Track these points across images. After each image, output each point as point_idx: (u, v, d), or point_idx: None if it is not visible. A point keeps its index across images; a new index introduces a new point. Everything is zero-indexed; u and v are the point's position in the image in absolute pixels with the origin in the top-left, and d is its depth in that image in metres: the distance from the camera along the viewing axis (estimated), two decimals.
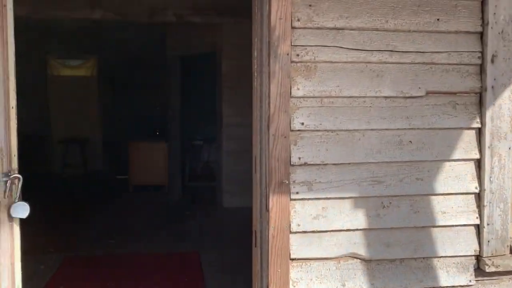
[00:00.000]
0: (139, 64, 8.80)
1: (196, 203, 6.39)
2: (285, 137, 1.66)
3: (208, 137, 9.30)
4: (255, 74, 1.80)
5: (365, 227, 1.78)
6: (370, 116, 1.77)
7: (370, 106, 1.78)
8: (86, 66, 8.65)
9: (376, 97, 1.78)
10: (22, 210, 1.62)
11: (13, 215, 1.60)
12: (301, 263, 1.75)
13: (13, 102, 1.63)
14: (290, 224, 1.72)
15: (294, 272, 1.74)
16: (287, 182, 1.68)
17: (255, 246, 1.95)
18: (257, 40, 1.77)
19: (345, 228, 1.77)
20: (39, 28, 8.04)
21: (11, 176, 1.60)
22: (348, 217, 1.77)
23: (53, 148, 8.54)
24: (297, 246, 1.74)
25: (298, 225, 1.73)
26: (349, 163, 1.76)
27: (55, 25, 7.63)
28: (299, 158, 1.70)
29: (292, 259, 1.74)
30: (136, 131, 8.92)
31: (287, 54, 1.65)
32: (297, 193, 1.72)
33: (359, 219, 1.77)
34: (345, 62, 1.74)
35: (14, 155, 1.64)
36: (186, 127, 8.48)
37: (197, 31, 6.23)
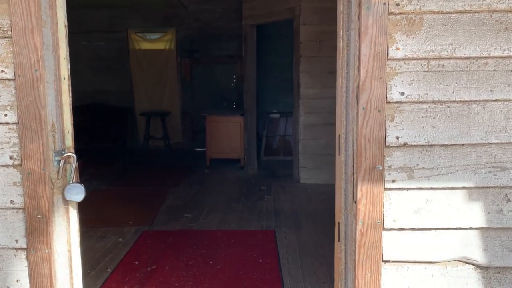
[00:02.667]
0: (217, 36, 8.68)
1: (272, 177, 6.18)
2: (379, 110, 1.31)
3: (285, 109, 9.04)
4: (341, 33, 1.44)
5: (482, 226, 1.39)
6: (493, 83, 1.35)
7: (494, 70, 1.35)
8: (164, 39, 8.69)
9: (503, 57, 1.35)
10: (78, 192, 1.46)
11: (67, 198, 1.45)
12: (396, 267, 1.42)
13: (64, 72, 1.45)
14: (383, 219, 1.39)
15: (388, 277, 1.42)
16: (380, 167, 1.34)
17: (338, 241, 1.65)
18: None
19: (455, 226, 1.40)
20: (120, 3, 8.19)
21: (65, 155, 1.44)
22: (460, 212, 1.39)
23: (136, 121, 8.80)
24: (392, 246, 1.41)
25: (394, 220, 1.40)
26: (462, 144, 1.37)
27: (134, 0, 7.68)
28: (397, 138, 1.34)
29: (385, 261, 1.42)
30: (214, 103, 8.90)
31: (384, 4, 1.28)
32: (393, 181, 1.38)
33: (474, 216, 1.39)
34: (461, 12, 1.33)
35: (68, 132, 1.48)
36: (263, 99, 8.26)
37: None
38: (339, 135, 1.54)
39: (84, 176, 6.23)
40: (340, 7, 1.46)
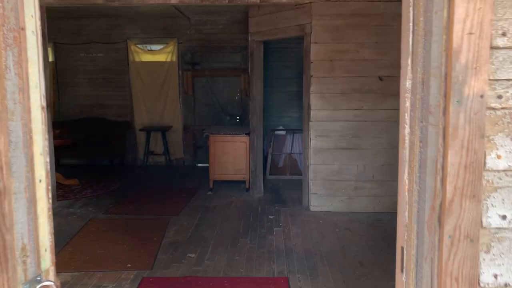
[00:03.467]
0: (220, 48, 8.31)
1: (280, 203, 5.82)
2: (471, 240, 0.95)
3: (290, 124, 8.68)
4: (407, 118, 1.09)
5: None
6: None
7: None
8: (166, 51, 8.33)
9: None
10: None
11: None
12: None
13: (41, 172, 1.09)
14: None
15: None
16: None
17: None
18: (415, 61, 1.05)
19: None
20: (119, 13, 7.81)
21: (40, 286, 1.07)
22: None
23: (135, 136, 8.44)
24: None
25: None
26: None
27: (134, 10, 7.31)
28: (495, 277, 0.98)
29: None
30: (216, 117, 8.53)
31: (481, 96, 0.92)
32: None
33: None
34: None
35: (46, 250, 1.11)
36: (267, 114, 7.88)
37: (283, 12, 5.50)
38: (403, 248, 1.18)
39: (82, 200, 5.87)
40: (406, 83, 1.10)
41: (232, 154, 6.34)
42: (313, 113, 5.32)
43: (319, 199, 5.43)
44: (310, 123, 5.33)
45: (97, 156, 7.86)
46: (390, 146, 5.32)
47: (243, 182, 6.47)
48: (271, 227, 4.84)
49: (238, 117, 8.37)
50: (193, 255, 4.03)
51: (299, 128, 7.95)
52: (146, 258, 3.95)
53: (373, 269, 3.72)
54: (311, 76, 5.28)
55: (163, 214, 5.29)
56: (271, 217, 5.21)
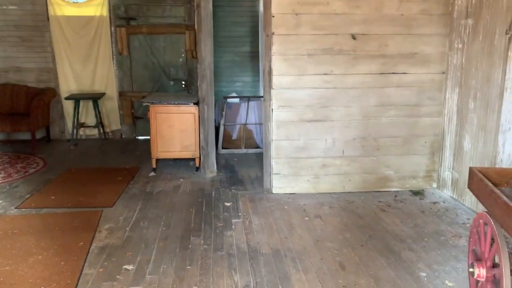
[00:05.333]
0: (160, 0, 7.09)
1: (237, 184, 5.00)
2: None
3: (243, 89, 7.76)
4: None
5: None
6: None
7: None
8: (94, 3, 6.98)
9: None
10: None
11: None
12: None
13: None
14: None
15: None
16: None
17: None
18: None
19: None
20: None
21: None
22: None
23: (61, 105, 7.16)
24: None
25: None
26: None
27: None
28: None
29: None
30: (158, 83, 7.42)
31: None
32: None
33: None
34: None
35: None
36: (217, 79, 6.90)
37: None
38: None
39: None
40: None
41: (178, 127, 5.37)
42: (275, 79, 4.44)
43: (283, 180, 4.65)
44: (272, 91, 4.46)
45: (14, 129, 6.55)
46: (363, 117, 4.60)
47: (193, 159, 5.56)
48: (229, 218, 4.01)
49: (184, 82, 7.32)
50: (131, 267, 3.12)
51: (255, 95, 7.07)
52: (67, 276, 2.99)
53: (358, 275, 3.02)
54: (273, 33, 4.35)
55: (93, 206, 4.30)
56: (228, 204, 4.38)
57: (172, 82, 7.40)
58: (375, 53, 4.48)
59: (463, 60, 4.27)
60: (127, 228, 3.77)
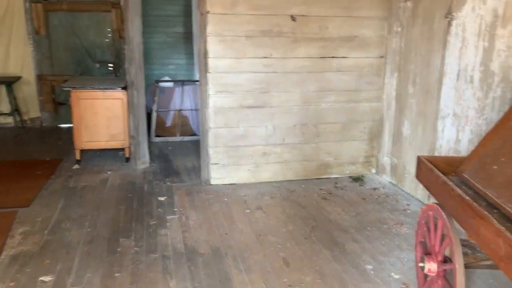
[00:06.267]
0: None
1: (172, 175, 4.65)
2: None
3: (177, 73, 7.32)
4: None
5: None
6: None
7: None
8: None
9: None
10: None
11: None
12: None
13: None
14: None
15: None
16: None
17: None
18: None
19: None
20: None
21: None
22: None
23: None
24: None
25: None
26: None
27: None
28: None
29: None
30: (82, 66, 6.77)
31: None
32: None
33: None
34: None
35: None
36: (148, 62, 6.45)
37: None
38: None
39: None
40: None
41: (105, 114, 4.88)
42: (211, 62, 4.11)
43: (222, 170, 4.38)
44: (208, 75, 4.13)
45: None
46: (303, 103, 4.43)
47: (122, 150, 5.11)
48: (163, 215, 3.68)
49: (110, 65, 6.74)
50: (49, 278, 2.71)
51: (190, 79, 6.69)
52: None
53: (303, 271, 2.85)
54: (207, 12, 4.01)
55: (6, 206, 3.76)
56: (162, 198, 4.03)
57: (97, 65, 6.79)
58: (315, 36, 4.30)
59: (402, 44, 4.22)
60: (46, 232, 3.32)
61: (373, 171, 4.81)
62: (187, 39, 7.21)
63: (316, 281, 2.74)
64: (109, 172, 4.69)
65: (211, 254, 3.04)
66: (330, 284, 2.70)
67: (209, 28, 4.04)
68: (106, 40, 6.81)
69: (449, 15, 3.50)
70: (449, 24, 3.51)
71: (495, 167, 2.12)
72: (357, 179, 4.66)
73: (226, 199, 4.04)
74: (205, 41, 4.08)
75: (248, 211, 3.79)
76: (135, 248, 3.10)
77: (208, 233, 3.36)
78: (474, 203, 1.83)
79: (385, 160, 4.61)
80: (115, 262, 2.91)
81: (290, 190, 4.29)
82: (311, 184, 4.48)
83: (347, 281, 2.73)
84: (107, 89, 4.83)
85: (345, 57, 4.43)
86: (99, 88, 4.82)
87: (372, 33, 4.44)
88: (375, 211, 3.83)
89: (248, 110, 4.30)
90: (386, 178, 4.61)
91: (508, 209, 1.86)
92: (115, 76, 6.65)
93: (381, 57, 4.52)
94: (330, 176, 4.69)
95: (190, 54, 7.29)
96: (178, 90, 6.03)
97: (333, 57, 4.40)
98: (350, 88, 4.53)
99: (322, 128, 4.56)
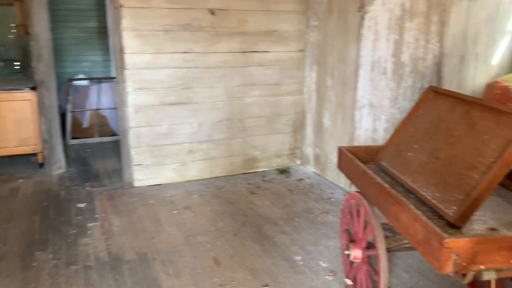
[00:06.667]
0: None
1: (91, 180, 4.39)
2: None
3: (92, 70, 6.92)
4: None
5: None
6: None
7: None
8: None
9: None
10: None
11: None
12: None
13: None
14: None
15: None
16: None
17: None
18: None
19: None
20: None
21: None
22: None
23: None
24: None
25: None
26: None
27: None
28: None
29: None
30: None
31: None
32: None
33: None
34: None
35: None
36: (60, 59, 6.03)
37: None
38: None
39: None
40: None
41: (12, 118, 4.47)
42: (128, 58, 3.92)
43: (146, 171, 4.21)
44: (126, 71, 3.93)
45: None
46: (227, 98, 4.39)
47: (34, 155, 4.72)
48: (84, 223, 3.45)
49: (17, 64, 6.19)
50: None
51: (107, 77, 6.35)
52: None
53: (234, 269, 2.82)
54: (121, 6, 3.80)
55: None
56: (82, 205, 3.78)
57: (2, 64, 6.21)
58: (235, 30, 4.27)
59: (320, 37, 4.33)
60: None
61: (298, 162, 4.91)
62: (103, 34, 6.84)
63: (247, 277, 2.72)
64: (20, 180, 4.31)
65: (137, 260, 2.90)
66: (261, 279, 2.70)
67: (124, 23, 3.84)
68: (10, 36, 6.24)
69: (361, 9, 3.64)
70: (362, 17, 3.65)
71: (409, 154, 2.24)
72: (284, 171, 4.72)
73: (151, 201, 3.89)
74: (120, 36, 3.87)
75: (175, 212, 3.68)
76: (53, 261, 2.87)
77: (133, 238, 3.21)
78: (392, 190, 1.91)
79: (309, 151, 4.73)
80: (31, 278, 2.67)
81: (218, 187, 4.24)
82: (239, 179, 4.47)
83: (277, 275, 2.75)
84: (13, 90, 4.43)
85: (266, 51, 4.45)
86: (3, 89, 4.40)
87: (290, 27, 4.50)
88: (302, 202, 3.91)
89: (170, 107, 4.16)
90: (310, 169, 4.73)
91: (423, 193, 1.97)
92: (23, 75, 6.12)
93: (301, 50, 4.61)
94: (258, 170, 4.71)
95: (106, 50, 6.93)
96: (94, 88, 5.70)
97: (254, 51, 4.40)
98: (272, 82, 4.56)
99: (248, 122, 4.55)
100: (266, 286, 2.62)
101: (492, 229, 1.76)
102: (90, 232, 3.29)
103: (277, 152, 4.78)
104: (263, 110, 4.58)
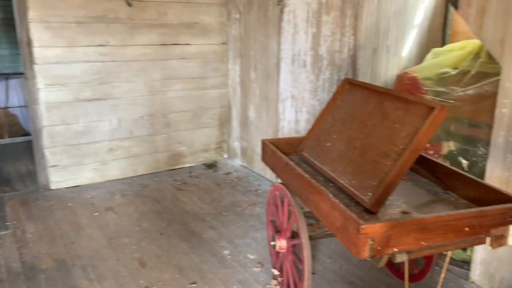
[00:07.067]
0: None
1: (2, 185, 4.04)
2: None
3: (3, 70, 6.33)
4: None
5: None
6: None
7: None
8: None
9: None
10: None
11: None
12: None
13: None
14: None
15: None
16: None
17: None
18: None
19: None
20: None
21: None
22: None
23: None
24: None
25: None
26: None
27: None
28: None
29: None
30: None
31: None
32: None
33: None
34: None
35: None
36: None
37: None
38: None
39: None
40: None
41: None
42: (37, 52, 3.64)
43: (63, 172, 3.96)
44: (35, 66, 3.65)
45: None
46: (148, 92, 4.25)
47: None
48: None
49: None
50: None
51: (15, 72, 5.85)
52: None
53: (160, 269, 2.74)
54: None
55: None
56: None
57: None
58: (154, 22, 4.13)
59: (242, 30, 4.32)
60: None
61: (225, 156, 4.90)
62: (9, 26, 6.28)
63: (175, 276, 2.66)
64: None
65: (55, 268, 2.72)
66: (189, 277, 2.66)
67: (31, 14, 3.55)
68: None
69: (280, 2, 3.69)
70: (282, 11, 3.69)
71: (328, 144, 2.31)
72: (211, 165, 4.69)
73: (70, 203, 3.67)
74: (27, 29, 3.58)
75: (96, 214, 3.50)
76: None
77: (50, 245, 3.00)
78: (312, 180, 1.96)
79: (236, 144, 4.73)
80: None
81: (142, 186, 4.10)
82: (165, 176, 4.36)
83: (205, 271, 2.72)
84: None
85: (188, 44, 4.36)
86: None
87: (212, 19, 4.45)
88: (229, 195, 3.90)
89: (87, 103, 3.94)
90: (237, 162, 4.74)
91: (342, 181, 2.04)
92: None
93: (223, 43, 4.57)
94: (184, 166, 4.62)
95: (14, 43, 6.37)
96: (1, 85, 5.23)
97: (175, 44, 4.29)
98: (196, 76, 4.49)
99: (172, 117, 4.45)
100: (194, 283, 2.58)
101: (404, 213, 1.87)
102: (0, 241, 3.02)
103: (203, 146, 4.73)
104: (187, 104, 4.50)
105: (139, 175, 4.33)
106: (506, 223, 1.62)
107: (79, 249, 2.95)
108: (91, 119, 3.99)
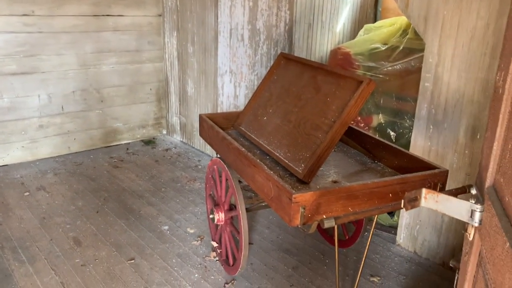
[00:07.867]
0: None
1: None
2: None
3: None
4: None
5: None
6: None
7: None
8: None
9: None
10: None
11: None
12: None
13: None
14: None
15: None
16: None
17: None
18: None
19: None
20: None
21: None
22: None
23: None
24: None
25: None
26: None
27: None
28: None
29: None
30: None
31: None
32: None
33: None
34: None
35: None
36: None
37: None
38: None
39: None
40: None
41: None
42: None
43: None
44: None
45: None
46: (80, 66, 4.05)
47: None
48: None
49: None
50: None
51: None
52: None
53: (97, 247, 2.69)
54: None
55: None
56: None
57: None
58: None
59: (178, 2, 4.21)
60: None
61: (164, 132, 4.82)
62: None
63: (112, 253, 2.62)
64: None
65: None
66: (127, 253, 2.63)
67: None
68: None
69: None
70: None
71: (265, 118, 2.34)
72: (149, 142, 4.60)
73: None
74: None
75: (27, 194, 3.34)
76: None
77: None
78: (248, 153, 1.99)
79: (175, 120, 4.66)
80: None
81: (76, 164, 3.95)
82: (100, 153, 4.22)
83: (144, 247, 2.70)
84: None
85: (121, 15, 4.18)
86: None
87: None
88: (169, 171, 3.86)
89: (11, 77, 3.69)
90: (177, 138, 4.69)
91: (277, 154, 2.09)
92: None
93: (159, 15, 4.43)
94: (121, 142, 4.50)
95: None
96: None
97: (108, 15, 4.09)
98: (131, 49, 4.33)
99: (106, 92, 4.28)
100: (132, 259, 2.56)
101: (335, 182, 1.96)
102: None
103: (141, 122, 4.62)
104: (122, 79, 4.35)
105: (73, 153, 4.16)
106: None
107: (8, 231, 2.81)
108: (17, 94, 3.74)
